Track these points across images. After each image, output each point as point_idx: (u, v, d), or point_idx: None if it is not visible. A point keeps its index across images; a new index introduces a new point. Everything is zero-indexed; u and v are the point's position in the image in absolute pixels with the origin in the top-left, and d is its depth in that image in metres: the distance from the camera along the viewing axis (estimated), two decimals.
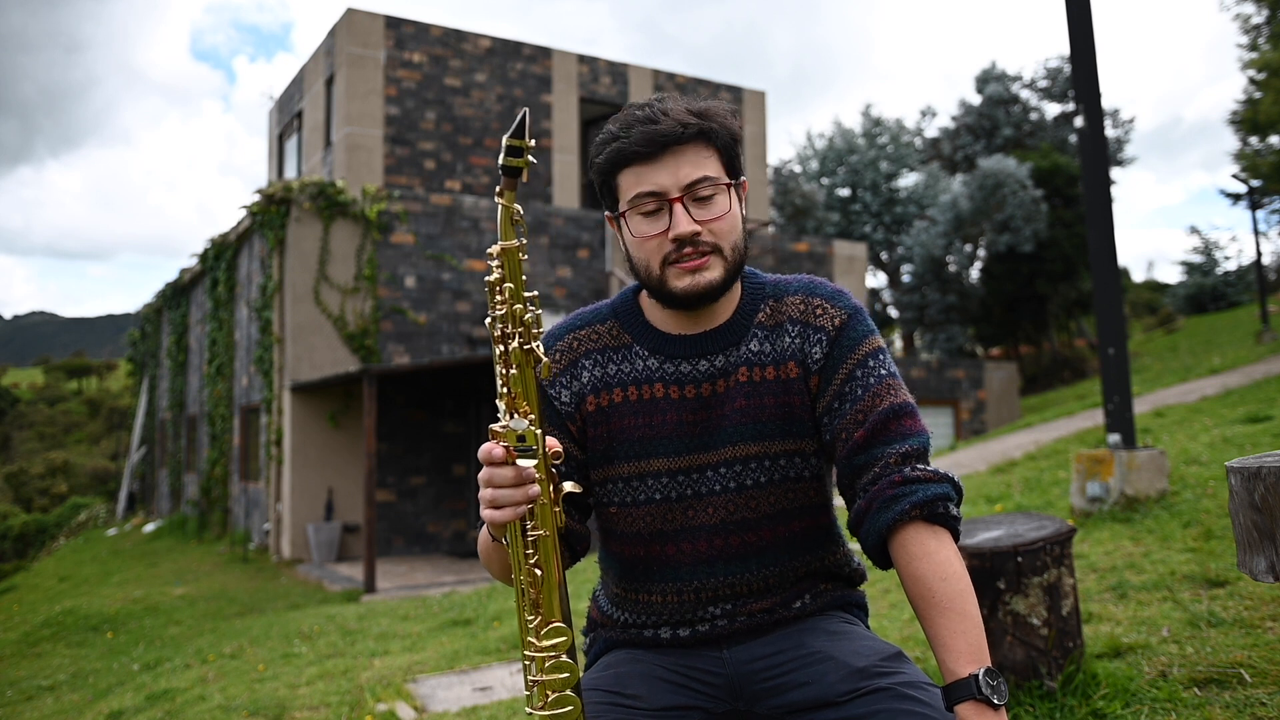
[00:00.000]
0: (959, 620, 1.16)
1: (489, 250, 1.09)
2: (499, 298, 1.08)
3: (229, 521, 14.12)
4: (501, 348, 1.09)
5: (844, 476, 1.31)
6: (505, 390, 1.09)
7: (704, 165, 1.28)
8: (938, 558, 1.20)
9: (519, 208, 1.07)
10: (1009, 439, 9.82)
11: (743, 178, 1.35)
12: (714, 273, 1.29)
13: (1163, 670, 2.39)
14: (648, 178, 1.27)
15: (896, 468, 1.25)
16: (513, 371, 1.08)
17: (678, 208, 1.26)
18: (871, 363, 1.31)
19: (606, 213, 1.40)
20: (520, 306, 1.08)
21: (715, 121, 1.29)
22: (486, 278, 1.09)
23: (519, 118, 1.05)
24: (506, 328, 1.08)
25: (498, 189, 1.07)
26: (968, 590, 1.18)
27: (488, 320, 1.10)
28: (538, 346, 1.08)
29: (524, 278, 1.09)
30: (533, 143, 1.06)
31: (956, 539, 1.24)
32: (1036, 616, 2.33)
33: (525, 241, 1.09)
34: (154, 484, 19.41)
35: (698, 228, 1.27)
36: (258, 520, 12.88)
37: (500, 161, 1.06)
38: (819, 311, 1.35)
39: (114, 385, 54.23)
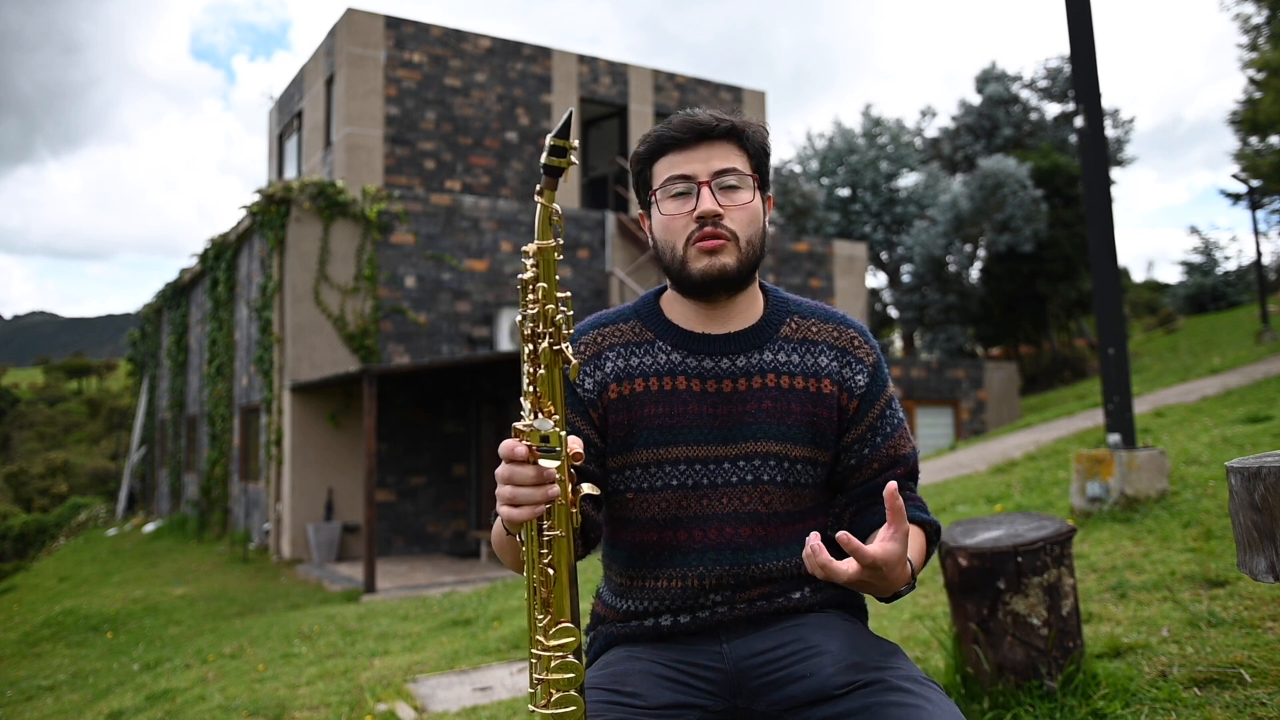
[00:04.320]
0: (913, 539, 1.34)
1: (524, 249, 1.09)
2: (531, 296, 1.08)
3: (229, 521, 14.13)
4: (531, 347, 1.09)
5: (863, 498, 1.43)
6: (531, 389, 1.09)
7: (733, 160, 1.39)
8: (921, 538, 1.40)
9: (558, 208, 1.08)
10: (1009, 439, 9.83)
11: (770, 194, 1.46)
12: (728, 259, 1.37)
13: (1163, 670, 2.40)
14: (680, 164, 1.38)
15: (922, 505, 1.45)
16: (540, 371, 1.08)
17: (704, 189, 1.36)
18: (894, 404, 1.47)
19: (639, 212, 1.50)
20: (552, 306, 1.08)
21: (749, 129, 1.41)
22: (520, 275, 1.09)
23: (564, 118, 1.06)
24: (537, 327, 1.08)
25: (537, 188, 1.07)
26: (923, 549, 1.39)
27: (518, 318, 1.10)
28: (567, 348, 1.09)
29: (557, 278, 1.09)
30: (576, 143, 1.07)
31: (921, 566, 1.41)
32: (1036, 616, 2.33)
33: (561, 242, 1.09)
34: (154, 484, 19.41)
35: (720, 209, 1.36)
36: (258, 520, 12.89)
37: (543, 160, 1.07)
38: (856, 343, 1.46)
39: (114, 385, 54.22)
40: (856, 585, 1.18)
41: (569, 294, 1.09)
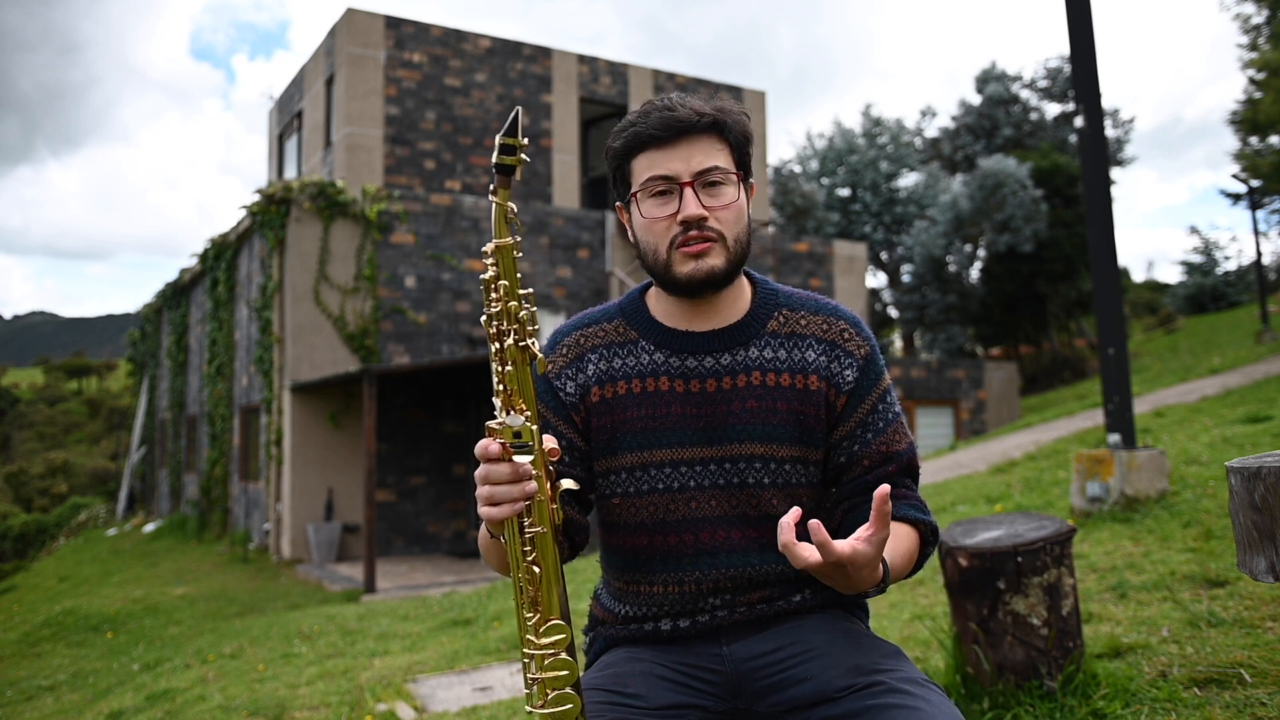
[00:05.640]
0: (898, 540, 1.30)
1: (484, 248, 1.09)
2: (494, 295, 1.09)
3: (229, 521, 14.13)
4: (497, 345, 1.09)
5: (854, 495, 1.39)
6: (501, 387, 1.10)
7: (715, 156, 1.32)
8: (912, 538, 1.35)
9: (513, 205, 1.08)
10: (1009, 439, 9.82)
11: (752, 180, 1.39)
12: (716, 260, 1.32)
13: (1163, 670, 2.40)
14: (660, 163, 1.32)
15: (920, 504, 1.40)
16: (508, 368, 1.09)
17: (688, 191, 1.30)
18: (889, 398, 1.41)
19: (617, 203, 1.44)
20: (515, 304, 1.08)
21: (730, 118, 1.34)
22: (482, 276, 1.10)
23: (511, 116, 1.07)
24: (502, 325, 1.09)
25: (491, 187, 1.08)
26: (913, 551, 1.33)
27: (483, 317, 1.10)
28: (533, 343, 1.09)
29: (519, 275, 1.09)
30: (525, 141, 1.07)
31: (914, 570, 1.37)
32: (1036, 616, 2.33)
33: (520, 239, 1.10)
34: (154, 484, 19.41)
35: (705, 212, 1.30)
36: (258, 520, 12.89)
37: (493, 160, 1.07)
38: (846, 336, 1.40)
39: (114, 385, 54.21)
40: (819, 576, 1.14)
41: (531, 290, 1.09)
